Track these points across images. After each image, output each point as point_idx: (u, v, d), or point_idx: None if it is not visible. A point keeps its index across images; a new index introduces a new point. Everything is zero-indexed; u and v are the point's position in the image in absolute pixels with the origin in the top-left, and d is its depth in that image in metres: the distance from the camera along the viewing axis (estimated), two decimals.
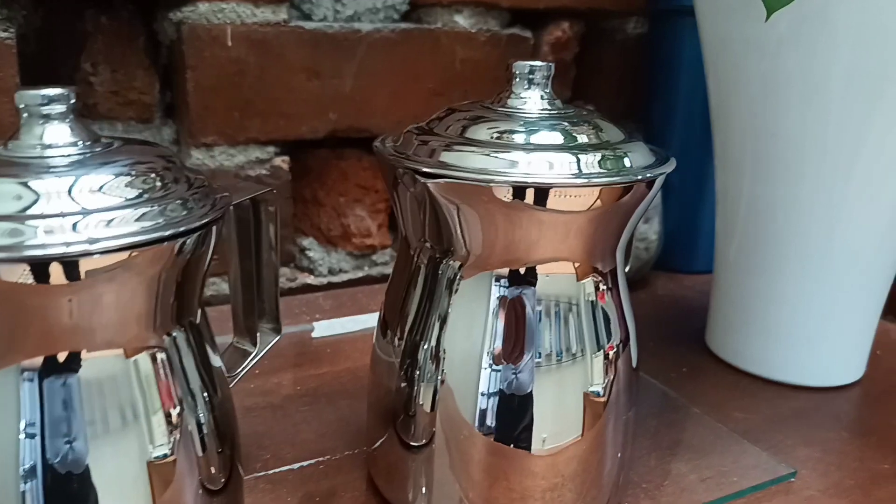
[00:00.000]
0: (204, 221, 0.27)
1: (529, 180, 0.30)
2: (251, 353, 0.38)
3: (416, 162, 0.32)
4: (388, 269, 0.70)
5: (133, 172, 0.26)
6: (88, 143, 0.27)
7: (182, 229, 0.26)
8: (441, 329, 0.34)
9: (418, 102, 0.65)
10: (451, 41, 0.66)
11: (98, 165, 0.26)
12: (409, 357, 0.35)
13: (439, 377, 0.34)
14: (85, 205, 0.25)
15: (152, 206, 0.26)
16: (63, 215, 0.24)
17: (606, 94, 0.77)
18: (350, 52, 0.62)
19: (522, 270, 0.33)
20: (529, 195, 0.31)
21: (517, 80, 0.35)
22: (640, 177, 0.32)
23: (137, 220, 0.25)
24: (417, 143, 0.33)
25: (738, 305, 0.53)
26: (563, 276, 0.33)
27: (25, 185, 0.24)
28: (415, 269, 0.35)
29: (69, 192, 0.25)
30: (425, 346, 0.34)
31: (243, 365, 0.38)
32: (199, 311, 0.30)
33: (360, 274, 0.69)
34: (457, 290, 0.33)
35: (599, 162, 0.32)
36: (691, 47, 0.69)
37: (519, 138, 0.32)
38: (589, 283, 0.34)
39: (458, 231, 0.33)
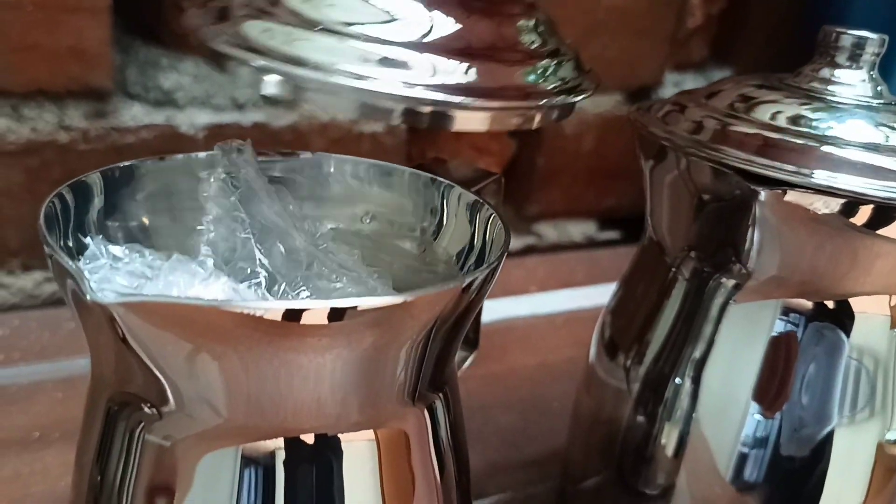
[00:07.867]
0: None
1: None
2: None
3: (750, 163, 0.25)
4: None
5: None
6: None
7: None
8: (700, 362, 0.28)
9: None
10: None
11: None
12: (651, 389, 0.29)
13: (691, 419, 0.28)
14: None
15: None
16: None
17: (748, 55, 0.68)
18: None
19: (820, 304, 0.26)
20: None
21: (837, 53, 0.28)
22: None
23: None
24: (717, 128, 0.26)
25: None
26: (876, 317, 0.27)
27: None
28: (669, 282, 0.29)
29: None
30: (676, 381, 0.28)
31: None
32: None
33: None
34: (728, 317, 0.27)
35: None
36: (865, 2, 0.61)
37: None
38: None
39: (751, 246, 0.26)
